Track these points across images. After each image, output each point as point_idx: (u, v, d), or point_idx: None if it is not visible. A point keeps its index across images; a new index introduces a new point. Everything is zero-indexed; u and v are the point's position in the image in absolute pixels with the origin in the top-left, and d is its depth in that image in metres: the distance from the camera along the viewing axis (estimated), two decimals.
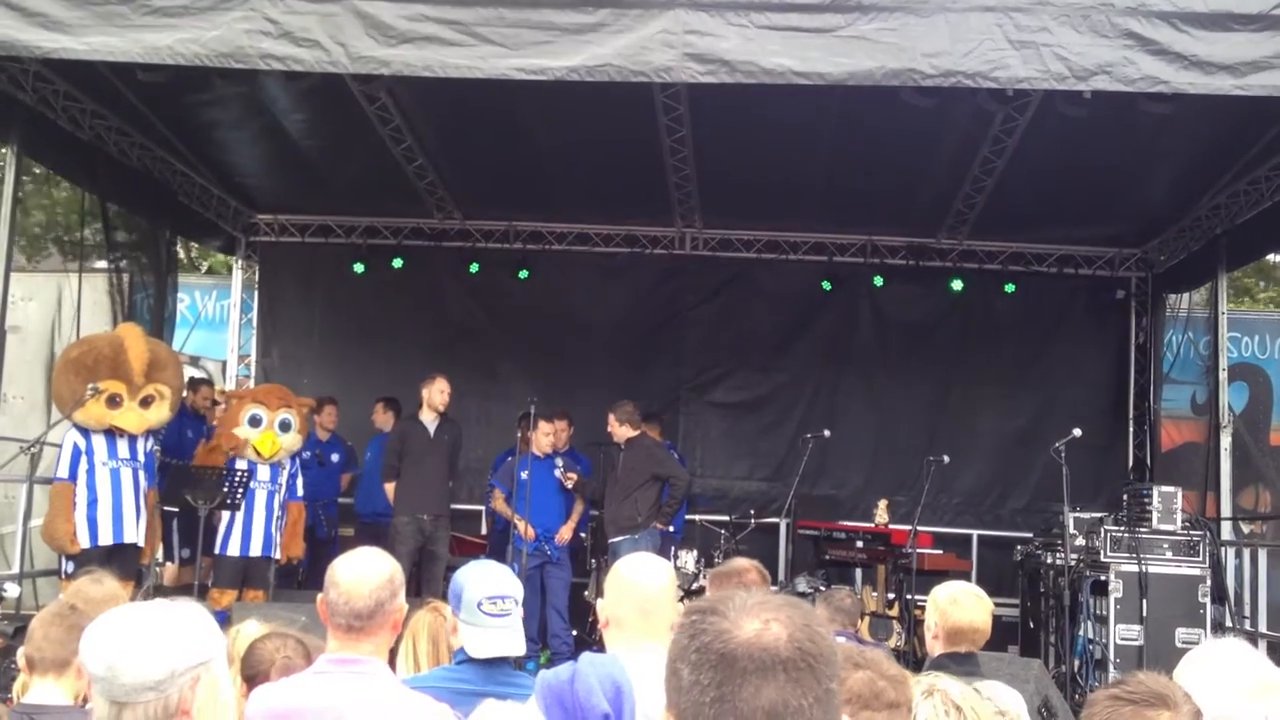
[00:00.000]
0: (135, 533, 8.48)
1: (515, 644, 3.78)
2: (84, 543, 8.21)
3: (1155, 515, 9.10)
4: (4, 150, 10.20)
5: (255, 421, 9.32)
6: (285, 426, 9.38)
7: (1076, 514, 9.58)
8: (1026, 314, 12.73)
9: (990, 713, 2.90)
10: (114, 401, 8.37)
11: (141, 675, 2.38)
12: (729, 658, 1.56)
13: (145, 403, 8.53)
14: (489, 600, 3.73)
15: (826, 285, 12.64)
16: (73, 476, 8.30)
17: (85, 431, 8.36)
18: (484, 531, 11.84)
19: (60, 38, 6.52)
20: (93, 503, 8.29)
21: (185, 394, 10.78)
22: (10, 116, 8.99)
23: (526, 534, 9.86)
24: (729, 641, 1.57)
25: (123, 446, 8.48)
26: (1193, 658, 3.09)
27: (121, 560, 8.21)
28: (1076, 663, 9.20)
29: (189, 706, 2.45)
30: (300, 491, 9.71)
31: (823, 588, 9.18)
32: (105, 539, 8.29)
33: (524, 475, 9.84)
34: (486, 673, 3.71)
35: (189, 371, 11.75)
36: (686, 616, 1.65)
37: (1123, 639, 8.85)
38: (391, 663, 3.74)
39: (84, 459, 8.33)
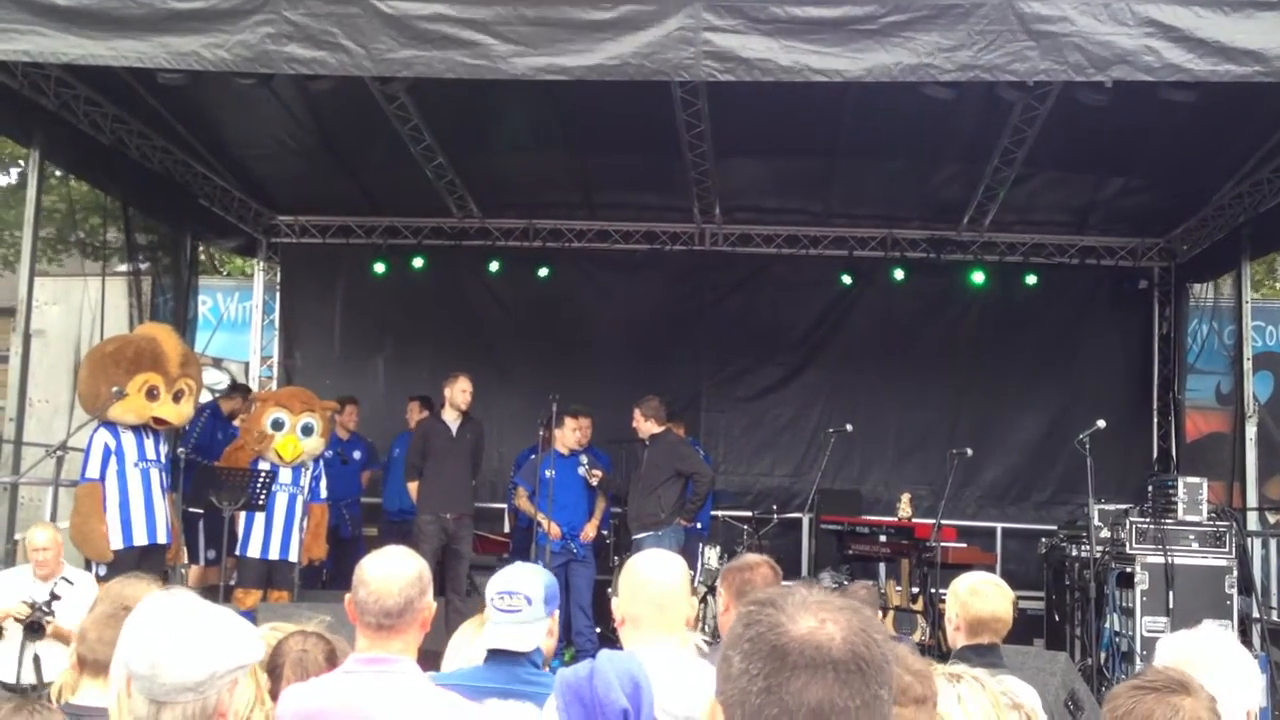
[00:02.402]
0: (167, 533, 8.52)
1: (520, 640, 3.74)
2: (117, 544, 8.18)
3: (1181, 506, 9.04)
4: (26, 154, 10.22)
5: (278, 425, 9.32)
6: (307, 430, 9.40)
7: (1101, 506, 9.54)
8: (1049, 305, 12.69)
9: (995, 690, 2.91)
10: (152, 394, 8.39)
11: (182, 676, 2.40)
12: (780, 650, 1.57)
13: (176, 397, 8.57)
14: (499, 595, 3.75)
15: (846, 279, 12.62)
16: (101, 477, 8.26)
17: (115, 431, 8.35)
18: (507, 529, 11.86)
19: (85, 43, 6.56)
20: (124, 503, 8.24)
21: (224, 399, 10.88)
22: (33, 122, 9.05)
23: (552, 532, 9.88)
24: (782, 635, 1.58)
25: (150, 447, 8.50)
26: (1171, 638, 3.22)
27: (151, 561, 8.23)
28: (1103, 655, 9.16)
29: (225, 709, 2.48)
30: (324, 494, 9.73)
31: (846, 582, 9.18)
32: (140, 539, 8.28)
33: (548, 473, 9.86)
34: (510, 671, 3.72)
35: (212, 375, 11.83)
36: (745, 607, 1.66)
37: (1149, 631, 8.79)
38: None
39: (114, 459, 8.29)
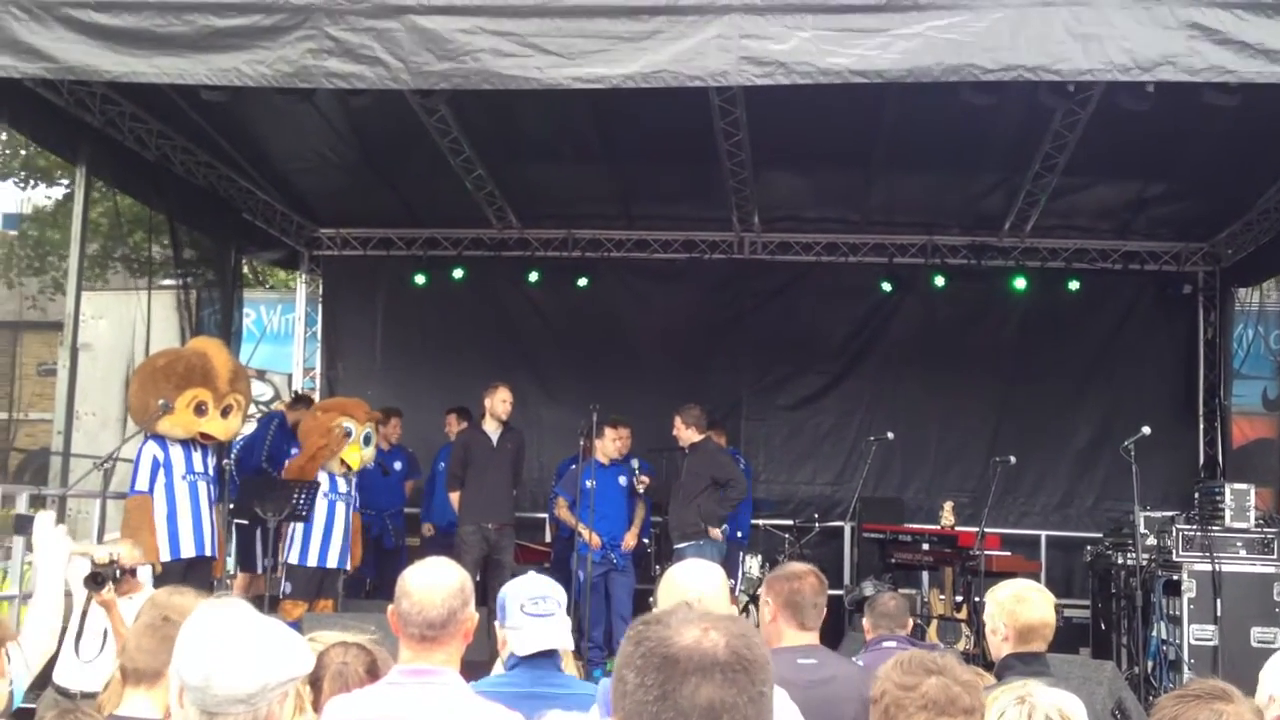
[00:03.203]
0: (214, 545, 8.59)
1: (560, 638, 3.82)
2: (165, 555, 8.21)
3: (1228, 513, 8.95)
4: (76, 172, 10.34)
5: (346, 433, 9.40)
6: (367, 440, 9.54)
7: (1147, 513, 9.45)
8: (1092, 311, 12.56)
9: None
10: (200, 410, 8.46)
11: (235, 688, 2.43)
12: (670, 660, 1.71)
13: (225, 412, 8.64)
14: (530, 601, 3.79)
15: (887, 286, 12.56)
16: (150, 490, 8.31)
17: (163, 444, 8.40)
18: (548, 539, 11.88)
19: (128, 60, 6.64)
20: (172, 515, 8.29)
21: (290, 411, 10.94)
22: (79, 138, 9.17)
23: (592, 542, 9.89)
24: (671, 646, 1.73)
25: (197, 460, 8.56)
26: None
27: (198, 573, 8.31)
28: (1150, 664, 9.07)
29: None
30: (358, 503, 9.81)
31: (883, 590, 9.12)
32: (188, 551, 8.32)
33: (589, 484, 9.88)
34: (534, 675, 3.74)
35: (256, 388, 11.91)
36: (631, 629, 1.79)
37: (1197, 639, 8.71)
38: None
39: (162, 472, 8.34)
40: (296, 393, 12.51)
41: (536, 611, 3.77)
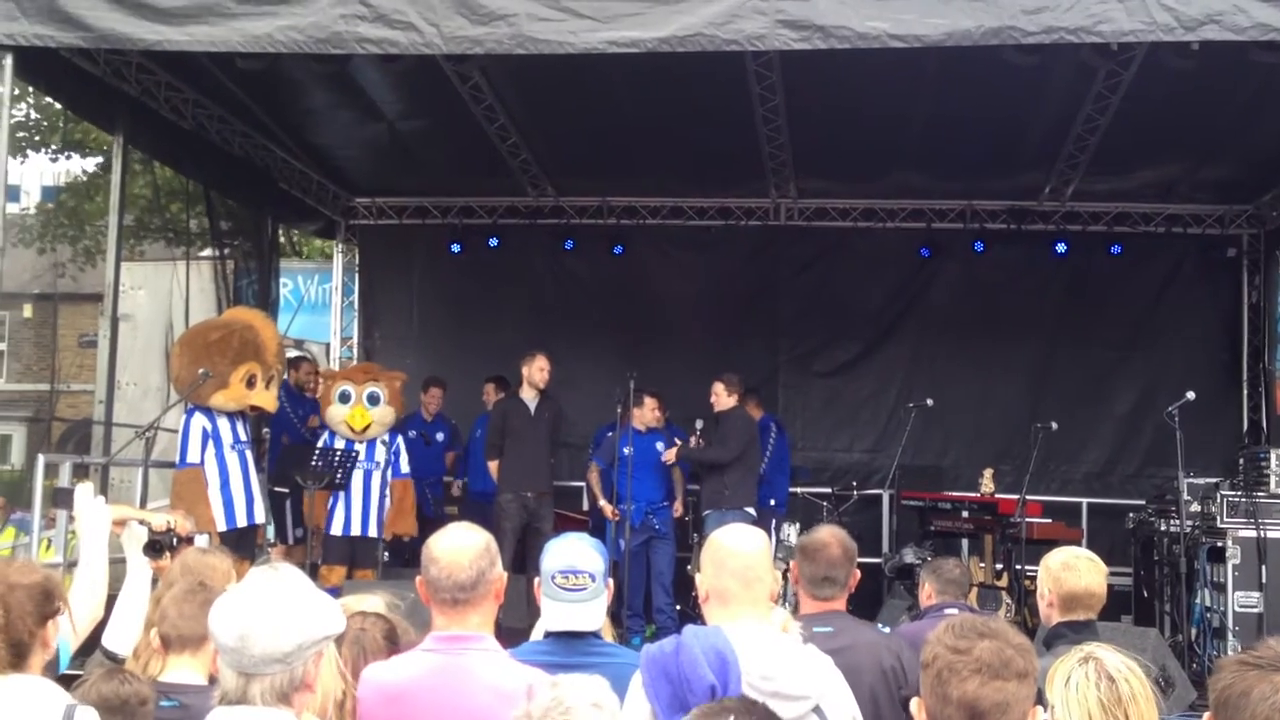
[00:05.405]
0: (264, 512, 8.66)
1: (587, 620, 3.69)
2: (221, 526, 8.23)
3: (1273, 479, 8.85)
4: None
5: (345, 397, 9.49)
6: (374, 400, 9.54)
7: (1191, 479, 9.34)
8: (1134, 276, 12.41)
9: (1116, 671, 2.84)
10: (251, 383, 8.51)
11: (270, 647, 2.43)
12: None
13: (267, 383, 8.71)
14: (561, 574, 3.65)
15: (925, 252, 12.45)
16: (201, 461, 8.36)
17: (210, 415, 8.43)
18: (586, 507, 11.90)
19: (162, 29, 6.65)
20: (225, 485, 8.36)
21: (288, 373, 11.05)
22: (115, 108, 9.20)
23: (608, 512, 10.00)
24: None
25: (240, 429, 8.63)
26: None
27: (246, 541, 8.37)
28: (1194, 631, 9.00)
29: (312, 680, 2.50)
30: (405, 469, 9.82)
31: (929, 559, 9.08)
32: (242, 520, 8.40)
33: (626, 450, 9.88)
34: (569, 644, 3.69)
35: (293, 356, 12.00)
36: None
37: (1241, 606, 8.62)
38: None
39: (211, 443, 8.40)
40: (291, 356, 12.62)
41: (568, 586, 3.64)
